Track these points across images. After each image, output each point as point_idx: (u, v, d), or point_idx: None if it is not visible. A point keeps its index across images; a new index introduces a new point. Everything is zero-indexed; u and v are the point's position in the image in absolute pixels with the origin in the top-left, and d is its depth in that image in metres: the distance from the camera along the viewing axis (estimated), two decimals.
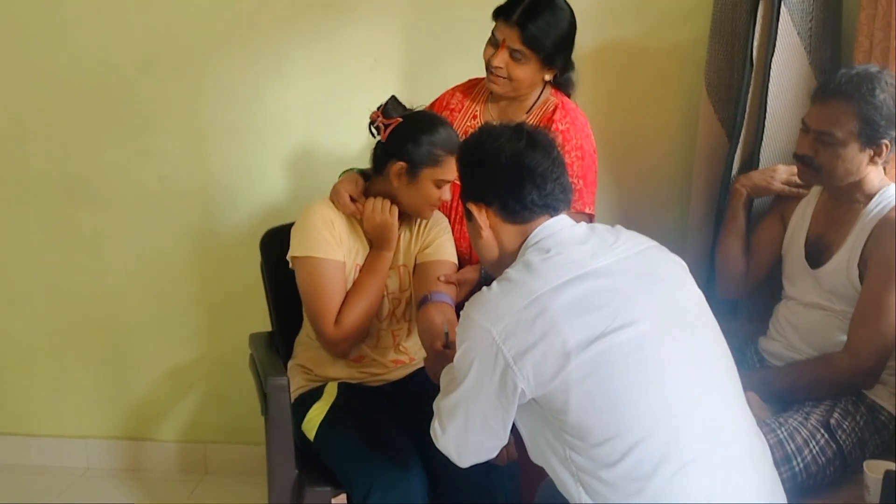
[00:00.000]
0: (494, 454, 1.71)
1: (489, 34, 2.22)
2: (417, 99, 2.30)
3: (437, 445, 1.71)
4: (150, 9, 2.69)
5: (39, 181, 2.86)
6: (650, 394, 1.56)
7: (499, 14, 2.19)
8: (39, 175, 2.86)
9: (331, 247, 2.16)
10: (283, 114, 2.76)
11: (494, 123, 1.81)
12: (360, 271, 2.19)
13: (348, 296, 2.15)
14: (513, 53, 2.17)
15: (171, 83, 2.75)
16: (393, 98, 2.19)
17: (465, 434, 1.65)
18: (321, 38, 2.68)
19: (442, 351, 1.92)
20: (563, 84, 2.27)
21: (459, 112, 2.35)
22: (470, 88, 2.38)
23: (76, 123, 2.80)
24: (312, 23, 2.67)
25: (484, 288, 1.65)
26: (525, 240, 1.69)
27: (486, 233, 1.72)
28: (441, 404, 1.70)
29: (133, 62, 2.74)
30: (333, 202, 2.21)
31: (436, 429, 1.70)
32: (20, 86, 2.79)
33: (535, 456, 1.69)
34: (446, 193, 2.14)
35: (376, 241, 2.19)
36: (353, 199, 2.19)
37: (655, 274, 1.68)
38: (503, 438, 1.66)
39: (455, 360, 1.65)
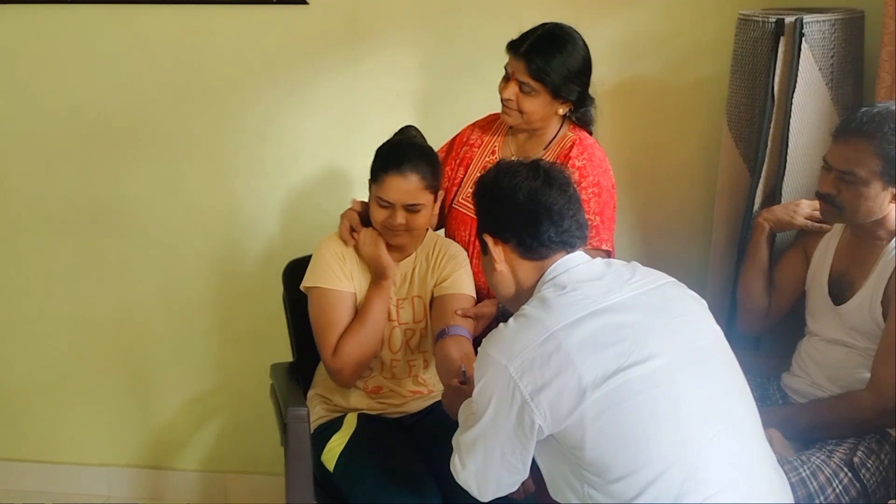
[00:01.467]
0: (515, 488, 1.71)
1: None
2: (437, 130, 2.33)
3: (457, 480, 1.72)
4: (177, 44, 2.74)
5: (66, 211, 2.91)
6: (666, 430, 1.55)
7: (510, 47, 2.21)
8: (66, 205, 2.90)
9: (338, 278, 2.19)
10: (307, 146, 2.79)
11: (510, 160, 1.83)
12: (363, 302, 2.21)
13: (348, 326, 2.17)
14: (522, 86, 2.19)
15: (197, 116, 2.79)
16: (404, 126, 2.24)
17: (485, 469, 1.66)
18: (343, 71, 2.71)
19: (458, 386, 1.93)
20: (581, 119, 2.28)
21: (479, 147, 2.37)
22: (489, 124, 2.39)
23: (103, 155, 2.85)
24: (334, 55, 2.70)
25: (501, 324, 1.66)
26: (541, 276, 1.70)
27: (501, 266, 1.74)
28: (460, 440, 1.71)
29: (159, 95, 2.78)
30: None
31: (456, 464, 1.71)
32: (50, 119, 2.84)
33: (554, 492, 1.69)
34: (396, 217, 2.12)
35: (373, 272, 2.21)
36: (353, 231, 2.23)
37: (672, 309, 1.68)
38: (523, 473, 1.67)
39: (474, 395, 1.66)
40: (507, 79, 2.22)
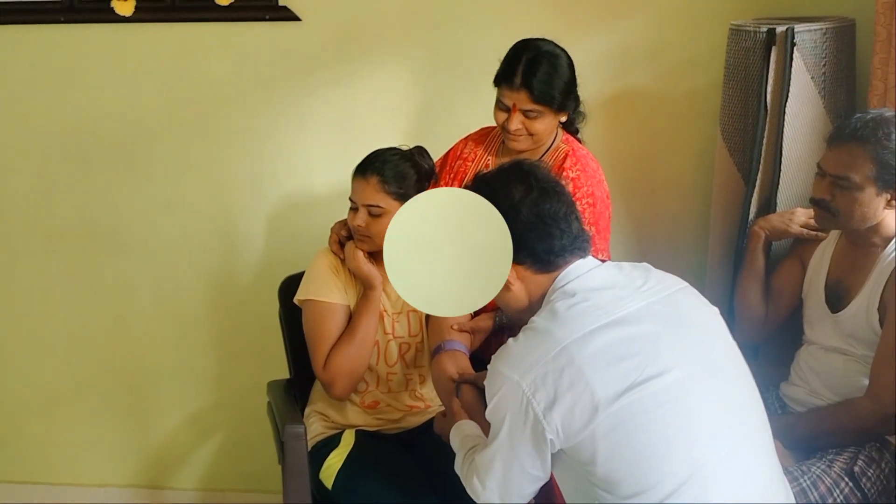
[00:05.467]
0: (535, 494, 1.68)
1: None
2: (432, 143, 2.33)
3: (478, 502, 1.69)
4: (172, 62, 2.74)
5: (64, 230, 2.90)
6: (678, 448, 1.54)
7: (500, 81, 2.21)
8: (64, 224, 2.90)
9: (331, 291, 2.19)
10: (302, 162, 2.79)
11: (493, 175, 1.75)
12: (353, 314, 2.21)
13: (339, 338, 2.17)
14: (527, 114, 2.19)
15: (193, 133, 2.79)
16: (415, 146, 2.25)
17: (506, 485, 1.64)
18: (338, 86, 2.71)
19: (449, 411, 1.91)
20: (572, 120, 2.29)
21: (472, 162, 2.37)
22: (482, 137, 2.40)
23: (100, 174, 2.85)
24: (329, 71, 2.71)
25: (510, 340, 1.63)
26: (552, 284, 1.66)
27: (516, 286, 1.68)
28: (476, 459, 1.68)
29: (155, 113, 2.78)
30: None
31: (475, 487, 1.68)
32: (46, 137, 2.84)
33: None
34: (356, 219, 2.14)
35: (361, 284, 2.21)
36: (342, 244, 2.23)
37: (685, 319, 1.65)
38: (545, 478, 1.65)
39: (487, 414, 1.64)
40: (506, 111, 2.20)
